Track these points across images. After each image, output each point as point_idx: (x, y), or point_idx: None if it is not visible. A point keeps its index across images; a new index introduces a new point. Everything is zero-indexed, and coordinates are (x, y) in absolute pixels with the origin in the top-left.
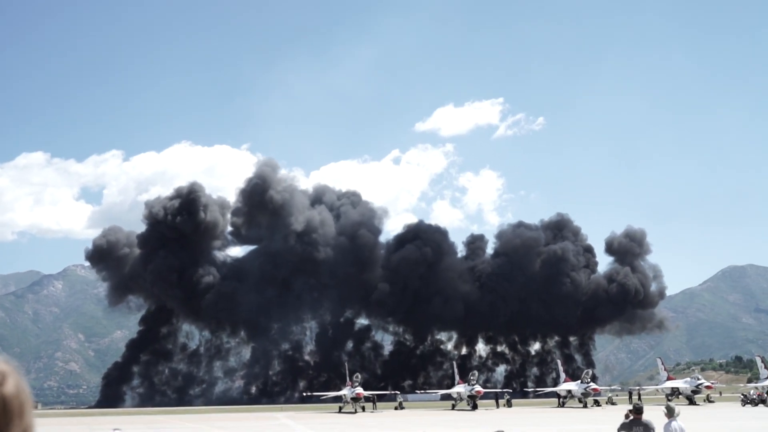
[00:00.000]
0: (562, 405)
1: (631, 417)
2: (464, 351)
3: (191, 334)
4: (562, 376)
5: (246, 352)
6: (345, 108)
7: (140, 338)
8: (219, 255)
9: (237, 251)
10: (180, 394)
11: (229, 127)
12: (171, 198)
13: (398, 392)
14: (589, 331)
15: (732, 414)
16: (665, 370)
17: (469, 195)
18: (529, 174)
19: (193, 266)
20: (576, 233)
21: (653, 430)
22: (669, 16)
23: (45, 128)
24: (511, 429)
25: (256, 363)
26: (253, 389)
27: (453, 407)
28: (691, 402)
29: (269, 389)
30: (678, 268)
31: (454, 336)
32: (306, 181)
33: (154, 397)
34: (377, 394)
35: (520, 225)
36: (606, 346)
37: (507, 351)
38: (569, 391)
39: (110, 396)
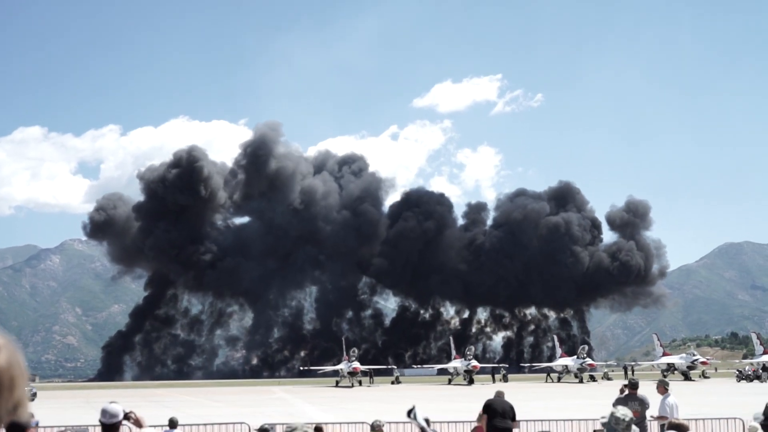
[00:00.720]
0: (558, 380)
1: (627, 392)
2: (465, 315)
3: (192, 303)
4: (558, 351)
5: (247, 321)
6: (343, 83)
7: (144, 305)
8: (220, 223)
9: (238, 219)
10: (180, 364)
11: (227, 102)
12: (170, 166)
13: (395, 367)
14: (586, 304)
15: (727, 389)
16: (661, 345)
17: (467, 171)
18: (527, 150)
19: (193, 239)
20: (581, 205)
21: (648, 405)
22: None
23: (42, 102)
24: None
25: (256, 332)
26: (254, 359)
27: (449, 382)
28: (687, 378)
29: (270, 359)
30: (675, 244)
31: (453, 309)
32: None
33: (154, 368)
34: (374, 369)
35: (521, 193)
36: (602, 321)
37: (506, 316)
38: (565, 367)
39: (112, 365)
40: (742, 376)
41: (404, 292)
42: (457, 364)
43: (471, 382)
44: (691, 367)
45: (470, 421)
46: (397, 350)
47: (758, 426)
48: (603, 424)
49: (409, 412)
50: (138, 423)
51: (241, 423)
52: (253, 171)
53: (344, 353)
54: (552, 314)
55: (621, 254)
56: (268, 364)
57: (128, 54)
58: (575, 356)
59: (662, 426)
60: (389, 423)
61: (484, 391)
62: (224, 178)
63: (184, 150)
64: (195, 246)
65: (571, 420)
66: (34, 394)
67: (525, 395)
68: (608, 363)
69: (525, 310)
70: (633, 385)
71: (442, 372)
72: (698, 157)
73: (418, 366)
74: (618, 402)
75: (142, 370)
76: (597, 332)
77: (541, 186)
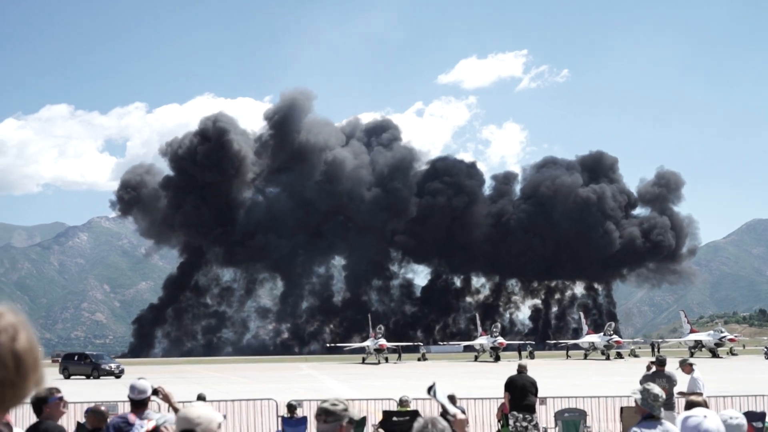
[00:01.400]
0: (584, 357)
1: (654, 369)
2: (492, 286)
3: (224, 275)
4: (585, 328)
5: (278, 291)
6: (368, 59)
7: (177, 275)
8: (249, 197)
9: (267, 190)
10: (210, 336)
11: (252, 79)
12: (196, 135)
13: (421, 344)
14: (613, 278)
15: (755, 366)
16: (688, 322)
17: (492, 147)
18: (552, 126)
19: (222, 213)
20: (613, 175)
21: (676, 382)
22: None
23: (69, 80)
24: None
25: (286, 302)
26: (285, 332)
27: (476, 359)
28: (714, 355)
29: (300, 331)
30: (702, 221)
31: (480, 281)
32: None
33: (183, 341)
34: (400, 346)
35: (550, 162)
36: (629, 298)
37: (534, 285)
38: (592, 344)
39: (144, 338)
40: None
41: (433, 265)
42: (483, 340)
43: (497, 358)
44: (718, 344)
45: (496, 398)
46: (427, 321)
47: None
48: (635, 400)
49: (429, 389)
50: (167, 398)
51: (269, 399)
52: (282, 141)
53: (371, 330)
54: (579, 287)
55: (653, 233)
56: (298, 336)
57: (154, 31)
58: (602, 333)
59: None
60: (415, 399)
61: (510, 368)
62: (253, 149)
63: (211, 120)
64: (224, 221)
65: (598, 397)
66: (122, 371)
67: (551, 372)
68: (635, 340)
69: (552, 283)
70: (661, 362)
71: (468, 349)
72: (726, 133)
73: (444, 343)
74: (645, 379)
75: (172, 342)
76: (623, 308)
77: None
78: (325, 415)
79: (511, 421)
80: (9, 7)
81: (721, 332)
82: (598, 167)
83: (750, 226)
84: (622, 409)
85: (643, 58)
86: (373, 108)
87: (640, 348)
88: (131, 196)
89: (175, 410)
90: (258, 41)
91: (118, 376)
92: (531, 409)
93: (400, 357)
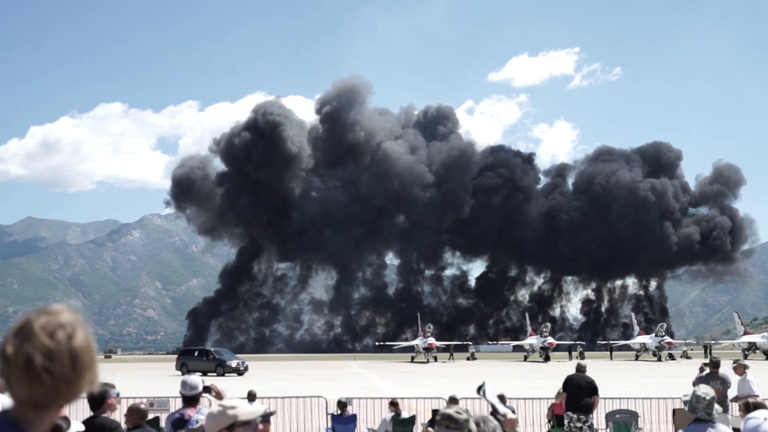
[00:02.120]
0: (636, 358)
1: (707, 370)
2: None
3: (279, 269)
4: (636, 329)
5: (332, 282)
6: (419, 58)
7: (234, 267)
8: (303, 191)
9: (323, 184)
10: (263, 329)
11: (304, 77)
12: (248, 129)
13: (470, 343)
14: (666, 277)
15: None
16: (742, 324)
17: (543, 146)
18: (604, 125)
19: (278, 209)
20: (673, 169)
21: (730, 384)
22: None
23: (123, 79)
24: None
25: (339, 294)
26: (337, 326)
27: (525, 359)
28: None
29: (352, 325)
30: (758, 219)
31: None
32: None
33: (236, 335)
34: (449, 345)
35: (606, 153)
36: (681, 299)
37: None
38: (643, 344)
39: (199, 328)
40: None
41: (488, 259)
42: (532, 340)
43: (547, 359)
44: None
45: (547, 398)
46: (480, 315)
47: None
48: (685, 403)
49: (479, 389)
50: (219, 395)
51: (319, 397)
52: (336, 133)
53: (420, 329)
54: (631, 283)
55: (712, 235)
56: (350, 330)
57: (207, 30)
58: (653, 334)
59: (745, 405)
60: (464, 399)
61: (560, 368)
62: (307, 140)
63: (262, 110)
64: (279, 216)
65: (650, 398)
66: (246, 368)
67: (602, 372)
68: (687, 341)
69: (606, 282)
70: (715, 364)
71: (518, 349)
72: None
73: (494, 342)
74: (699, 381)
75: (224, 335)
76: (675, 309)
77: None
78: (448, 420)
79: (565, 421)
80: (64, 7)
81: None
82: (657, 159)
83: None
84: (674, 411)
85: (699, 55)
86: (423, 106)
87: (692, 350)
88: (185, 191)
89: None
90: (309, 40)
91: (241, 374)
92: (587, 410)
93: (452, 356)
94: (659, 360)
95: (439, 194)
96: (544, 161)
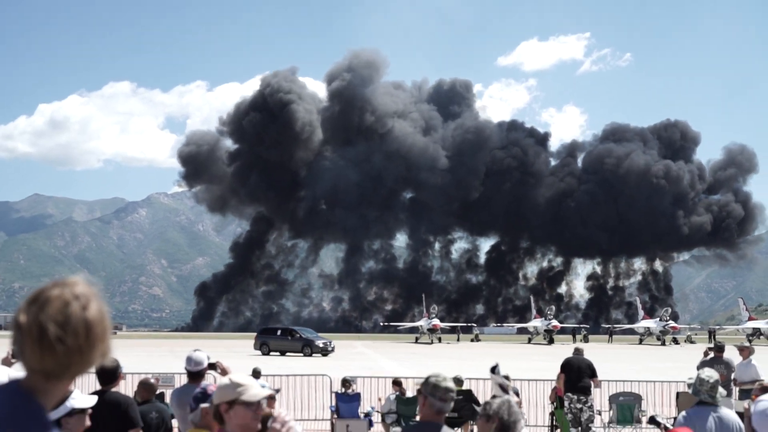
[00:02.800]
0: (640, 342)
1: (712, 355)
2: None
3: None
4: (641, 313)
5: (341, 254)
6: (427, 40)
7: (248, 238)
8: (314, 168)
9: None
10: (270, 304)
11: (313, 59)
12: (257, 107)
13: (475, 324)
14: (673, 260)
15: None
16: (747, 310)
17: (552, 131)
18: (613, 110)
19: (289, 187)
20: (688, 150)
21: (734, 368)
22: None
23: (131, 58)
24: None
25: (348, 265)
26: (345, 300)
27: (529, 341)
28: None
29: (360, 299)
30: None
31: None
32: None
33: (242, 311)
34: (454, 326)
35: (619, 132)
36: (687, 284)
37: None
38: (647, 329)
39: (208, 302)
40: None
41: (498, 236)
42: (537, 323)
43: (551, 341)
44: None
45: (550, 380)
46: (488, 293)
47: None
48: (689, 386)
49: (493, 369)
50: (224, 372)
51: (323, 375)
52: (348, 108)
53: (425, 309)
54: (638, 262)
55: (722, 226)
56: (358, 306)
57: (216, 9)
58: (657, 318)
59: (746, 390)
60: (468, 379)
61: (564, 350)
62: (318, 113)
63: (273, 85)
64: (290, 193)
65: (654, 381)
66: (333, 348)
67: (606, 356)
68: (692, 326)
69: (612, 260)
70: (719, 348)
71: (522, 331)
72: None
73: (498, 324)
74: (703, 365)
75: (231, 309)
76: (680, 294)
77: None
78: (441, 392)
79: (565, 403)
80: None
81: None
82: (673, 140)
83: None
84: (678, 394)
85: (709, 41)
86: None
87: (696, 335)
88: (193, 169)
89: None
90: (320, 20)
91: (326, 354)
92: (586, 391)
93: (459, 338)
94: (663, 344)
95: (450, 176)
96: (552, 145)
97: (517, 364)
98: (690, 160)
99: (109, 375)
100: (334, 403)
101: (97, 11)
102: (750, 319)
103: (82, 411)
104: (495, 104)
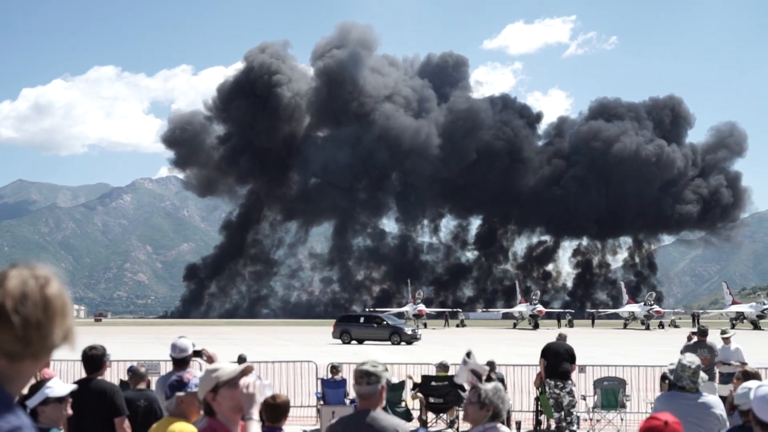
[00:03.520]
0: (624, 326)
1: (695, 339)
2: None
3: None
4: (625, 297)
5: (330, 236)
6: (413, 22)
7: (239, 219)
8: (305, 149)
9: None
10: (259, 285)
11: (298, 42)
12: (242, 92)
13: (460, 310)
14: (656, 239)
15: None
16: (730, 294)
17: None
18: (598, 94)
19: (279, 170)
20: (680, 130)
21: (718, 352)
22: None
23: (116, 42)
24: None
25: (338, 240)
26: (335, 285)
27: (514, 326)
28: (756, 327)
29: (349, 279)
30: (752, 187)
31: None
32: None
33: (230, 293)
34: (440, 312)
35: (610, 108)
36: (671, 268)
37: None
38: (632, 313)
39: (196, 290)
40: None
41: (486, 216)
42: (522, 308)
43: (536, 326)
44: (761, 316)
45: (535, 365)
46: (479, 270)
47: None
48: (670, 371)
49: (468, 354)
50: (210, 359)
51: (309, 362)
52: (337, 87)
53: (410, 295)
54: (623, 244)
55: (711, 209)
56: (348, 285)
57: None
58: (642, 303)
59: (728, 374)
60: (454, 365)
61: (549, 335)
62: (306, 101)
63: (258, 64)
64: (281, 177)
65: (638, 366)
66: (419, 336)
67: (591, 340)
68: (676, 310)
69: (600, 241)
70: (702, 333)
71: (508, 316)
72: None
73: (484, 310)
74: (686, 349)
75: (221, 289)
76: (664, 278)
77: None
78: (367, 377)
79: (546, 388)
80: None
81: (764, 304)
82: (664, 117)
83: None
84: (662, 377)
85: (696, 25)
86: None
87: (680, 319)
88: (182, 151)
89: None
90: (304, 14)
91: (409, 343)
92: (565, 376)
93: (447, 323)
94: (648, 329)
95: (441, 159)
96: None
97: (503, 349)
98: (682, 140)
99: (95, 363)
100: (320, 390)
101: None
102: (733, 302)
103: (59, 400)
104: (480, 88)
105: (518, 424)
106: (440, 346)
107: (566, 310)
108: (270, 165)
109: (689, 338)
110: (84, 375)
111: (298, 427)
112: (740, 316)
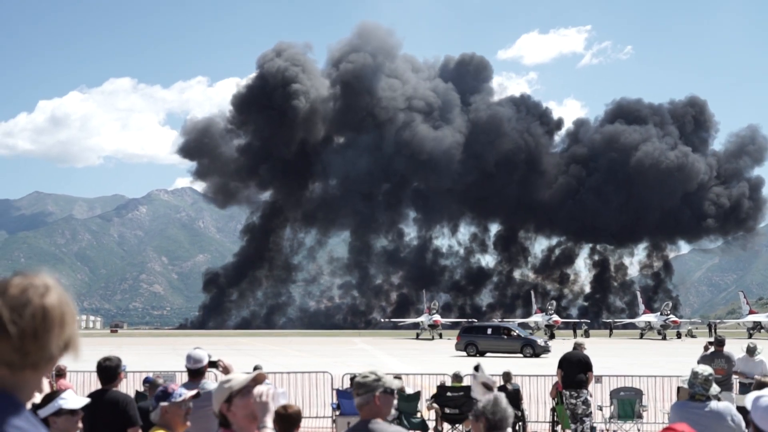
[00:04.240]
0: (640, 336)
1: (712, 349)
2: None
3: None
4: (642, 307)
5: (348, 241)
6: (429, 31)
7: (261, 224)
8: (325, 157)
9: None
10: (278, 290)
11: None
12: (258, 103)
13: (475, 320)
14: (672, 244)
15: None
16: (747, 303)
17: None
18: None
19: (299, 179)
20: (704, 137)
21: (735, 362)
22: None
23: (132, 54)
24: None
25: (357, 259)
26: (354, 290)
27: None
28: None
29: (368, 281)
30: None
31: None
32: None
33: (248, 302)
34: (454, 322)
35: (633, 109)
36: (687, 277)
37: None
38: (648, 323)
39: (221, 294)
40: None
41: (504, 221)
42: (538, 318)
43: (552, 336)
44: None
45: (551, 375)
46: (498, 275)
47: None
48: (682, 381)
49: (476, 368)
50: (226, 370)
51: (324, 372)
52: (357, 98)
53: (425, 305)
54: (640, 250)
55: (731, 218)
56: (367, 290)
57: (215, 6)
58: (659, 312)
59: (748, 383)
60: (468, 375)
61: (565, 345)
62: (326, 103)
63: (273, 71)
64: (301, 184)
65: (655, 376)
66: (550, 350)
67: (607, 350)
68: (692, 320)
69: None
70: (719, 342)
71: (523, 326)
72: None
73: (500, 320)
74: (703, 359)
75: (241, 298)
76: (681, 288)
77: None
78: (357, 388)
79: (564, 399)
80: None
81: None
82: (686, 123)
83: None
84: (678, 388)
85: (711, 34)
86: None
87: (697, 328)
88: (199, 160)
89: None
90: (322, 16)
91: (537, 355)
92: (579, 385)
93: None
94: (664, 339)
95: (461, 168)
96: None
97: (519, 360)
98: (706, 147)
99: (109, 374)
100: (335, 400)
101: (97, 7)
102: (751, 312)
103: (72, 412)
104: (502, 91)
105: None
106: (457, 356)
107: (582, 320)
108: (289, 172)
109: (706, 348)
110: (100, 386)
111: None
112: (758, 326)
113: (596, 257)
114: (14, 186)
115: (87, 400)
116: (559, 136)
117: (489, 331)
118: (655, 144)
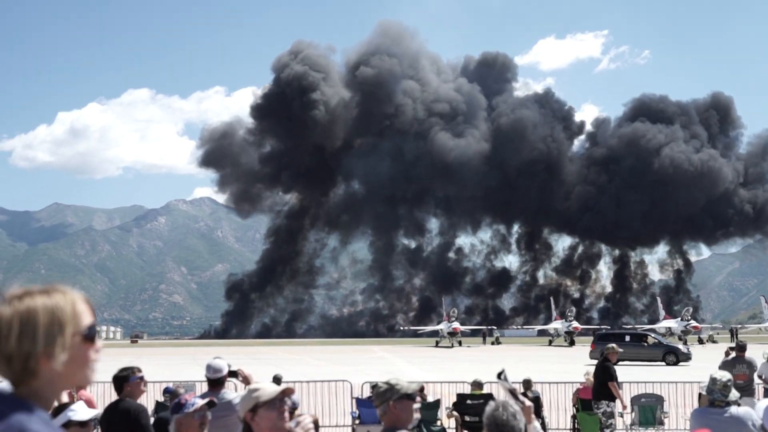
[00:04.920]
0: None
1: (733, 354)
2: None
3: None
4: (662, 312)
5: (370, 242)
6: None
7: (285, 228)
8: (346, 163)
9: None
10: (300, 296)
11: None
12: (277, 111)
13: (494, 327)
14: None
15: None
16: None
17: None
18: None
19: (320, 186)
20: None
21: (757, 367)
22: None
23: (150, 65)
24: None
25: (379, 261)
26: (380, 302)
27: (550, 343)
28: None
29: (389, 284)
30: None
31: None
32: None
33: (269, 311)
34: (474, 329)
35: (658, 107)
36: (708, 282)
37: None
38: (669, 329)
39: (245, 302)
40: None
41: (525, 225)
42: (557, 325)
43: (572, 343)
44: None
45: (572, 382)
46: (518, 277)
47: None
48: (701, 387)
49: (500, 374)
50: (246, 380)
51: (344, 381)
52: (378, 104)
53: (444, 313)
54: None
55: (751, 228)
56: (389, 291)
57: (232, 16)
58: (679, 318)
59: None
60: (488, 383)
61: (585, 351)
62: (346, 108)
63: (290, 78)
64: (324, 189)
65: (676, 382)
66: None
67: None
68: (713, 326)
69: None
70: (741, 348)
71: (543, 333)
72: None
73: (518, 327)
74: (725, 365)
75: (267, 305)
76: (702, 293)
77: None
78: (375, 399)
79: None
80: None
81: None
82: (712, 122)
83: None
84: (700, 395)
85: (730, 38)
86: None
87: (718, 334)
88: (226, 171)
89: None
90: (338, 25)
91: (676, 363)
92: (600, 396)
93: (485, 340)
94: (685, 344)
95: (483, 174)
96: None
97: (539, 366)
98: (732, 149)
99: (119, 384)
100: (355, 409)
101: (115, 19)
102: None
103: (81, 424)
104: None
105: None
106: (475, 363)
107: (602, 327)
108: (311, 177)
109: (727, 353)
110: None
111: None
112: None
113: (617, 252)
114: (34, 198)
115: (96, 412)
116: (579, 141)
117: (627, 338)
118: (681, 146)
